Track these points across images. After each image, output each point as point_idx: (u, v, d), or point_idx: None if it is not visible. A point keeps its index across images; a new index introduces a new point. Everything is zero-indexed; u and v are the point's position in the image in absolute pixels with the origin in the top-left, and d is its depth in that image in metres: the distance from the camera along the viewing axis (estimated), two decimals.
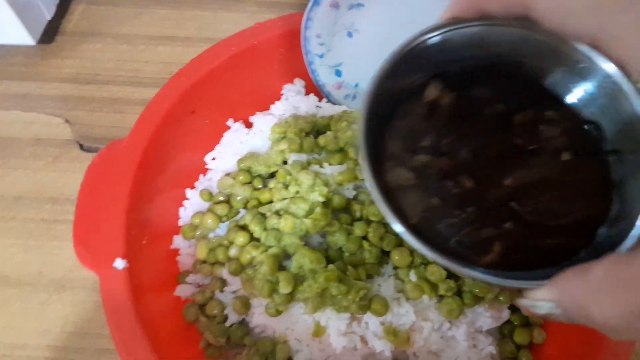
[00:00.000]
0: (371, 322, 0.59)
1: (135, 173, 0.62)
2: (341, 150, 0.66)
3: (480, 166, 0.41)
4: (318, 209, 0.58)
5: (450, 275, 0.61)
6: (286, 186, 0.63)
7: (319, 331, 0.59)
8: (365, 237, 0.60)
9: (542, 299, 0.34)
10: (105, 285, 0.56)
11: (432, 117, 0.43)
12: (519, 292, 0.38)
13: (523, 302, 0.36)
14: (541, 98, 0.43)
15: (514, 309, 0.65)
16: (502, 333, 0.65)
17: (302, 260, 0.58)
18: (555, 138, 0.41)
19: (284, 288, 0.57)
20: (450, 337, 0.62)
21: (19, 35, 0.90)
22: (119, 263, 0.56)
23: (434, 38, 0.41)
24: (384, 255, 0.61)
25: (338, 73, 0.78)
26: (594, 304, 0.31)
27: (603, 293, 0.31)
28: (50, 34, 0.98)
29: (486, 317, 0.62)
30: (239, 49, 0.70)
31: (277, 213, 0.62)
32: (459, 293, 0.61)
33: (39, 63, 0.97)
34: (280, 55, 0.75)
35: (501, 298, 0.61)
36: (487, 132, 0.42)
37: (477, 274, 0.37)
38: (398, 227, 0.38)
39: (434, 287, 0.59)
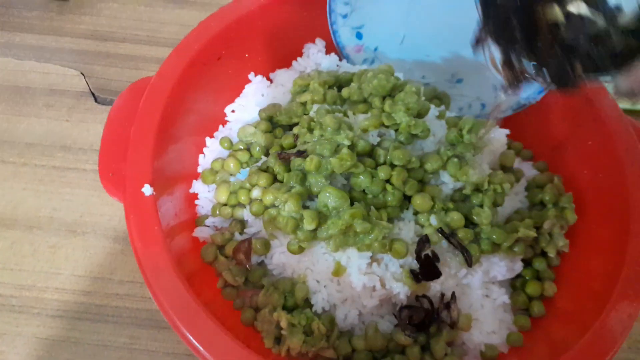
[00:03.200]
0: (391, 264, 0.60)
1: (163, 111, 0.63)
2: (365, 101, 0.67)
3: None
4: (345, 150, 0.59)
5: (469, 223, 0.62)
6: (311, 131, 0.64)
7: (339, 270, 0.60)
8: (388, 181, 0.61)
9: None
10: (132, 208, 0.55)
11: None
12: None
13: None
14: None
15: (526, 263, 0.66)
16: (514, 286, 0.66)
17: (327, 198, 0.58)
18: None
19: (308, 224, 0.58)
20: (465, 285, 0.63)
21: None
22: (147, 189, 0.56)
23: None
24: (405, 200, 0.62)
25: (359, 35, 0.80)
26: None
27: None
28: None
29: (501, 267, 0.63)
30: (268, 1, 0.72)
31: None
32: (476, 241, 0.62)
33: (56, 18, 0.97)
34: (305, 12, 0.76)
35: (515, 249, 0.63)
36: None
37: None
38: None
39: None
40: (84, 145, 0.83)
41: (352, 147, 0.61)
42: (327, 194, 0.59)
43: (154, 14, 0.98)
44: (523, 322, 0.63)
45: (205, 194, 0.69)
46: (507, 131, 0.72)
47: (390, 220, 0.61)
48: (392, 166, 0.61)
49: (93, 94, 0.88)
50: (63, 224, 0.76)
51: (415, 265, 0.60)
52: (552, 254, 0.65)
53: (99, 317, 0.70)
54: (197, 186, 0.70)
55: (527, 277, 0.66)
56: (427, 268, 0.59)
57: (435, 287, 0.61)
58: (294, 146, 0.66)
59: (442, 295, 0.61)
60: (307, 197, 0.61)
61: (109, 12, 0.98)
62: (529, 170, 0.73)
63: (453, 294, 0.61)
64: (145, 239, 0.54)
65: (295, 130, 0.66)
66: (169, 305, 0.52)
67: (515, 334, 0.62)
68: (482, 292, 0.63)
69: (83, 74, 0.90)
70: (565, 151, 0.72)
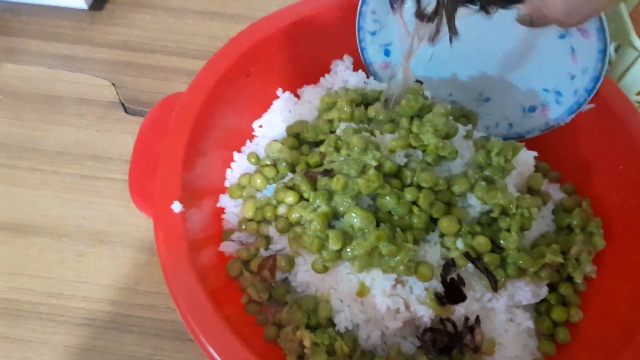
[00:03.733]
0: (415, 287, 0.60)
1: (193, 126, 0.64)
2: (392, 121, 0.67)
3: None
4: (371, 171, 0.59)
5: (495, 247, 0.62)
6: (337, 150, 0.64)
7: (363, 291, 0.60)
8: (415, 203, 0.61)
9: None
10: (161, 224, 0.56)
11: None
12: None
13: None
14: None
15: (551, 287, 0.65)
16: (539, 310, 0.66)
17: (353, 219, 0.59)
18: None
19: (334, 244, 0.58)
20: (490, 309, 0.63)
21: None
22: (177, 206, 0.57)
23: None
24: (431, 222, 0.62)
25: (387, 53, 0.80)
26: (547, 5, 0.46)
27: None
28: (101, 1, 1.01)
29: (526, 292, 0.62)
30: (298, 18, 0.72)
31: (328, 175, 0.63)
32: (502, 265, 0.61)
33: (88, 28, 0.99)
34: (333, 29, 0.77)
35: (542, 274, 0.62)
36: None
37: None
38: None
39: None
40: (113, 155, 0.85)
41: (378, 167, 0.61)
42: (353, 215, 0.59)
43: (183, 26, 1.00)
44: (547, 348, 0.63)
45: (232, 209, 0.70)
46: (534, 153, 0.71)
47: (415, 242, 0.61)
48: (419, 188, 0.61)
49: (123, 105, 0.90)
50: (91, 233, 0.78)
51: (440, 288, 0.60)
52: (579, 279, 0.64)
53: (124, 326, 0.71)
54: (224, 200, 0.70)
55: (552, 302, 0.65)
56: (452, 292, 0.59)
57: (459, 311, 0.61)
58: (321, 164, 0.66)
59: (466, 318, 0.61)
60: (332, 217, 0.61)
61: (140, 23, 1.00)
62: (556, 193, 0.72)
63: (477, 318, 0.61)
64: (172, 255, 0.55)
65: (322, 148, 0.67)
66: (194, 320, 0.53)
67: None
68: (506, 317, 0.63)
69: (113, 84, 0.92)
70: (594, 174, 0.71)
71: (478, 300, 0.62)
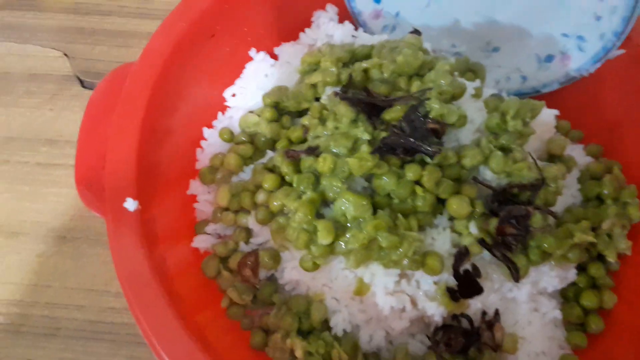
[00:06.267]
0: (423, 281, 0.51)
1: (147, 102, 0.53)
2: (387, 82, 0.56)
3: None
4: (364, 147, 0.49)
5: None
6: (323, 122, 0.54)
7: (361, 289, 0.51)
8: (418, 182, 0.51)
9: None
10: (113, 227, 0.47)
11: None
12: None
13: None
14: None
15: (580, 268, 0.56)
16: (566, 296, 0.57)
17: (346, 206, 0.49)
18: None
19: (324, 238, 0.49)
20: (510, 300, 0.54)
21: None
22: (130, 204, 0.48)
23: None
24: (439, 204, 0.52)
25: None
26: None
27: None
28: None
29: (552, 277, 0.54)
30: None
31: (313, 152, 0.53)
32: (523, 249, 0.52)
33: None
34: None
35: (570, 255, 0.53)
36: None
37: None
38: None
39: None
40: (70, 137, 0.74)
41: (373, 142, 0.51)
42: (345, 201, 0.49)
43: None
44: (578, 340, 0.54)
45: (205, 196, 0.61)
46: (555, 112, 0.61)
47: (421, 228, 0.52)
48: (422, 163, 0.51)
49: (78, 78, 0.79)
50: (51, 229, 0.69)
51: (452, 281, 0.51)
52: (612, 258, 0.55)
53: (94, 334, 0.63)
54: (195, 186, 0.61)
55: (581, 286, 0.56)
56: (466, 285, 0.50)
57: (475, 305, 0.52)
58: (304, 140, 0.56)
59: (484, 313, 0.52)
60: (321, 204, 0.51)
61: None
62: (580, 156, 0.62)
63: (496, 312, 0.52)
64: (128, 263, 0.46)
65: (305, 120, 0.56)
66: (156, 339, 0.44)
67: (570, 356, 0.53)
68: (529, 307, 0.54)
69: (66, 55, 0.80)
70: (623, 133, 0.61)
71: (496, 291, 0.53)
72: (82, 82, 0.78)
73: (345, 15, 0.68)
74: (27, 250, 0.68)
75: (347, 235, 0.49)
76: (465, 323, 0.52)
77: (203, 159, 0.62)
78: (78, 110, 0.76)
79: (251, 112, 0.63)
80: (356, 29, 0.68)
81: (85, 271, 0.67)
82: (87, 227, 0.69)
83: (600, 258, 0.57)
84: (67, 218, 0.69)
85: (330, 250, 0.50)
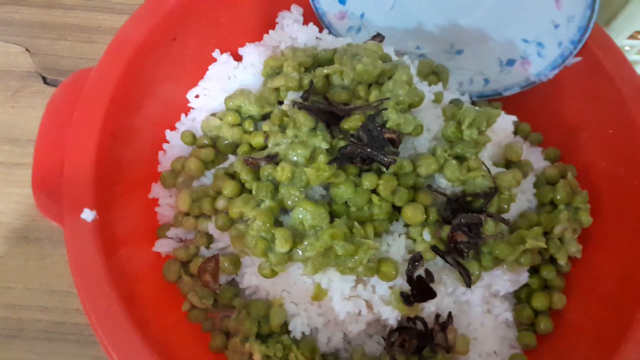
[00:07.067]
0: (378, 286, 0.52)
1: (107, 107, 0.53)
2: (347, 88, 0.57)
3: None
4: (322, 157, 0.50)
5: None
6: (283, 129, 0.54)
7: (319, 294, 0.52)
8: (374, 191, 0.52)
9: None
10: (71, 239, 0.47)
11: None
12: None
13: None
14: None
15: (532, 271, 0.58)
16: (519, 298, 0.59)
17: (303, 215, 0.50)
18: None
19: (281, 246, 0.49)
20: (464, 302, 0.56)
21: None
22: (87, 214, 0.48)
23: None
24: (394, 211, 0.53)
25: (342, 0, 0.68)
26: None
27: None
28: None
29: (504, 281, 0.55)
30: None
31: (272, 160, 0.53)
32: (476, 255, 0.54)
33: None
34: None
35: (522, 260, 0.55)
36: None
37: None
38: None
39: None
40: (33, 135, 0.72)
41: (331, 150, 0.52)
42: (303, 210, 0.50)
43: None
44: (528, 340, 0.56)
45: (167, 199, 0.61)
46: (514, 118, 0.62)
47: (377, 235, 0.53)
48: (379, 173, 0.52)
49: (41, 75, 0.77)
50: (13, 230, 0.68)
51: (406, 286, 0.52)
52: (562, 261, 0.57)
53: (58, 335, 0.64)
54: (157, 190, 0.61)
55: (533, 287, 0.58)
56: (420, 290, 0.52)
57: (429, 308, 0.54)
58: (265, 146, 0.56)
59: (438, 315, 0.54)
60: (279, 211, 0.52)
61: None
62: (538, 160, 0.64)
63: (449, 315, 0.54)
64: (87, 276, 0.46)
65: (265, 127, 0.57)
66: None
67: (519, 355, 0.55)
68: (482, 309, 0.56)
69: (28, 50, 0.79)
70: (580, 137, 0.63)
71: (450, 295, 0.54)
72: (44, 79, 0.77)
73: (311, 16, 0.68)
74: None
75: (305, 243, 0.50)
76: (419, 325, 0.54)
77: (165, 161, 0.62)
78: (40, 108, 0.74)
79: (213, 114, 0.63)
80: (321, 30, 0.68)
81: (49, 272, 0.66)
82: (50, 228, 0.68)
83: (553, 260, 0.59)
84: (30, 219, 0.69)
85: (288, 257, 0.50)
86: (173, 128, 0.64)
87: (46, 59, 0.78)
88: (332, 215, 0.51)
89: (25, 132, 0.73)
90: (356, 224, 0.51)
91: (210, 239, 0.58)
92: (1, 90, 0.76)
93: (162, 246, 0.58)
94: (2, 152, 0.72)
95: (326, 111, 0.53)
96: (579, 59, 0.60)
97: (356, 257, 0.50)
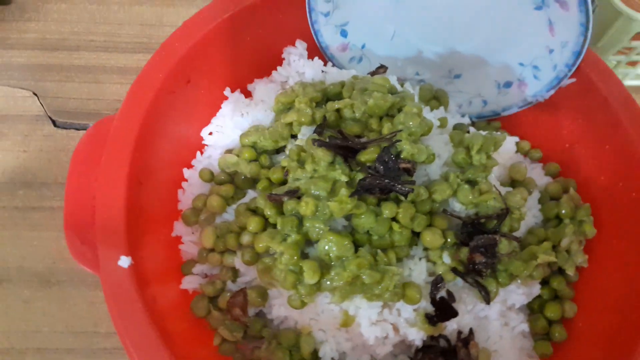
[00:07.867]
0: (403, 309, 0.55)
1: (132, 153, 0.55)
2: (358, 120, 0.59)
3: None
4: (343, 191, 0.52)
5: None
6: (302, 164, 0.57)
7: (347, 321, 0.54)
8: (394, 219, 0.54)
9: None
10: (109, 286, 0.49)
11: None
12: None
13: None
14: None
15: (543, 282, 0.61)
16: (532, 308, 0.62)
17: (329, 246, 0.52)
18: None
19: (310, 278, 0.52)
20: (483, 318, 0.59)
21: None
22: (124, 261, 0.49)
23: None
24: (413, 235, 0.56)
25: (344, 33, 0.71)
26: None
27: None
28: None
29: (519, 295, 0.58)
30: (236, 10, 0.62)
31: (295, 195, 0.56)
32: (492, 273, 0.57)
33: None
34: (281, 14, 0.67)
35: (534, 274, 0.58)
36: None
37: None
38: None
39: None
40: (46, 179, 0.75)
41: (350, 182, 0.54)
42: (328, 242, 0.52)
43: (108, 14, 0.87)
44: (544, 349, 0.59)
45: (189, 237, 0.62)
46: (516, 139, 0.65)
47: (399, 260, 0.55)
48: (397, 201, 0.55)
49: (51, 118, 0.78)
50: (35, 274, 0.69)
51: (429, 307, 0.55)
52: (570, 272, 0.60)
53: None
54: (179, 228, 0.63)
55: (545, 298, 0.61)
56: (443, 310, 0.54)
57: (451, 325, 0.56)
58: (284, 182, 0.58)
59: (460, 332, 0.57)
60: (304, 244, 0.55)
61: (58, 15, 0.87)
62: (539, 176, 0.67)
63: (471, 330, 0.56)
64: (128, 319, 0.48)
65: (284, 163, 0.59)
66: None
67: None
68: (499, 322, 0.59)
69: (36, 94, 0.80)
70: (578, 154, 0.66)
71: (470, 312, 0.57)
72: (54, 122, 0.78)
73: (314, 50, 0.71)
74: (13, 296, 0.68)
75: (332, 273, 0.52)
76: (443, 343, 0.56)
77: (185, 200, 0.64)
78: (52, 151, 0.76)
79: (229, 151, 0.65)
80: (325, 62, 0.71)
81: (73, 313, 0.68)
82: (71, 269, 0.70)
83: (561, 271, 0.62)
84: (50, 262, 0.70)
85: (317, 288, 0.53)
86: (190, 166, 0.66)
87: (54, 102, 0.80)
88: (356, 244, 0.54)
89: (39, 175, 0.75)
90: (380, 252, 0.53)
91: (236, 273, 0.60)
92: (11, 134, 0.77)
93: (190, 283, 0.60)
94: (18, 196, 0.73)
95: (343, 145, 0.55)
96: (573, 80, 0.63)
97: (382, 284, 0.52)
